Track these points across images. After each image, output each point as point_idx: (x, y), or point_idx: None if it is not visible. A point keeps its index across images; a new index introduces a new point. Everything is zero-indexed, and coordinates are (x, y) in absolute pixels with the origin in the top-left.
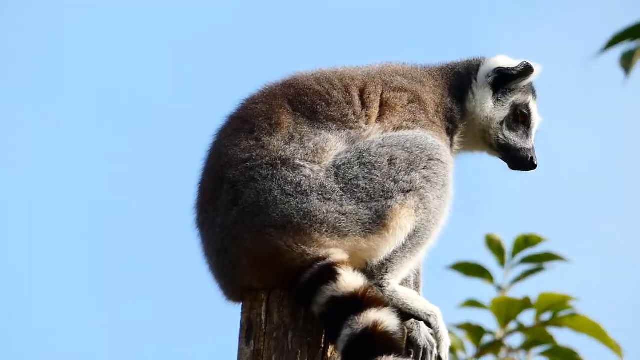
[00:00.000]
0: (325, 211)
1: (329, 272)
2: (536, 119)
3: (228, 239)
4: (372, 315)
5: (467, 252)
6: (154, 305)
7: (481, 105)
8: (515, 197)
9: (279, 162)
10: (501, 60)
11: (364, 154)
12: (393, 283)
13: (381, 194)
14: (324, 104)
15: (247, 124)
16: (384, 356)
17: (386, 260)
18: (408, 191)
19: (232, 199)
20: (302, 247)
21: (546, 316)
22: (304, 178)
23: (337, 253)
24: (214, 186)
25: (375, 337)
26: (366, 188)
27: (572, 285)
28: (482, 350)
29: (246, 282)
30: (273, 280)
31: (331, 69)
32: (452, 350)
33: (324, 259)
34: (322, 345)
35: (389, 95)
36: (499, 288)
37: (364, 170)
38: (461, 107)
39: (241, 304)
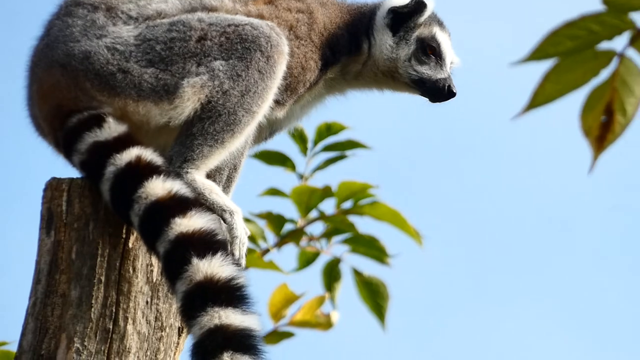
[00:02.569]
0: (104, 62)
1: (97, 120)
2: (447, 49)
3: (32, 63)
4: (135, 152)
5: (270, 141)
6: None
7: (380, 48)
8: None
9: (103, 6)
10: (395, 0)
11: (178, 23)
12: (193, 173)
13: (174, 68)
14: None
15: None
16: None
17: (184, 147)
18: (203, 74)
19: (49, 28)
20: (77, 92)
21: (347, 204)
22: (110, 25)
23: (109, 109)
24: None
25: (140, 169)
26: (160, 54)
27: (373, 173)
28: (283, 239)
29: (35, 113)
30: (50, 119)
31: None
32: (253, 239)
33: (95, 109)
34: (124, 236)
35: None
36: (301, 176)
37: (166, 36)
38: (357, 45)
39: (42, 195)
